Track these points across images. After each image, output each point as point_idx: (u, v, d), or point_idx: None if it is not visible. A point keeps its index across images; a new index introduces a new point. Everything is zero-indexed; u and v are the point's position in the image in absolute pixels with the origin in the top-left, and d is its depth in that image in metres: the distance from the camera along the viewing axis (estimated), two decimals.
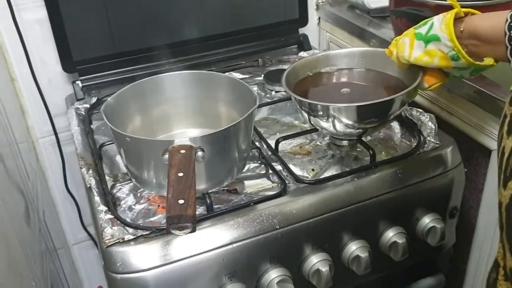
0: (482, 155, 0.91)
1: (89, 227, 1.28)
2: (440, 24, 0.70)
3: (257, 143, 0.90)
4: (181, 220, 0.56)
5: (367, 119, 0.79)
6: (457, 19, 0.70)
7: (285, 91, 0.84)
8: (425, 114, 0.91)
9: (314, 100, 0.80)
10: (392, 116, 0.81)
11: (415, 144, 0.87)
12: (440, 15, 0.71)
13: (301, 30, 1.27)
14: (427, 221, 0.84)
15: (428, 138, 0.88)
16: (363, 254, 0.79)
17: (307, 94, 0.88)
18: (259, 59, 1.21)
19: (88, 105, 1.04)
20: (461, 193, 0.90)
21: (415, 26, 0.76)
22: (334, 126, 0.79)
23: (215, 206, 0.76)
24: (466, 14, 0.70)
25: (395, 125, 0.94)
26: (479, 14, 0.69)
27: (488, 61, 0.69)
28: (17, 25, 1.02)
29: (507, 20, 0.61)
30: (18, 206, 0.84)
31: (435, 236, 0.84)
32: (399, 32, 1.06)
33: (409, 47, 0.75)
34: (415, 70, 0.78)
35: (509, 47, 0.59)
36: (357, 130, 0.81)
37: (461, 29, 0.69)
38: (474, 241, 0.97)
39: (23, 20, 1.05)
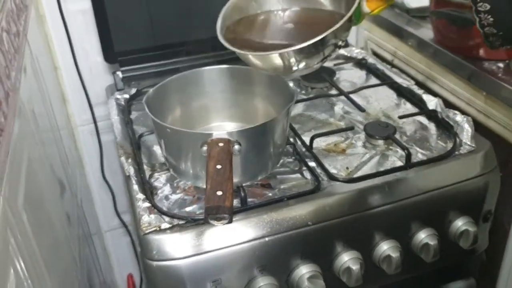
0: None
1: (123, 215, 1.32)
2: None
3: (291, 139, 0.90)
4: (219, 211, 0.57)
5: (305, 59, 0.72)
6: None
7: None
8: (462, 117, 0.90)
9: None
10: (331, 51, 0.73)
11: (451, 146, 0.87)
12: None
13: None
14: (459, 224, 0.84)
15: (464, 140, 0.87)
16: (394, 254, 0.79)
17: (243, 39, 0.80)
18: None
19: (128, 96, 1.07)
20: (496, 197, 0.89)
21: None
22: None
23: (249, 200, 0.77)
24: None
25: (431, 126, 0.94)
26: None
27: None
28: (63, 15, 1.06)
29: None
30: (58, 191, 0.87)
31: (468, 240, 0.83)
32: (438, 32, 1.06)
33: None
34: None
35: None
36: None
37: None
38: (508, 246, 0.96)
39: (68, 10, 1.08)
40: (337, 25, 0.68)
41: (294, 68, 0.73)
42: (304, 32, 0.77)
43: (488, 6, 0.54)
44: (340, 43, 0.73)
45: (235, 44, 0.74)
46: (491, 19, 0.55)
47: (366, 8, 0.72)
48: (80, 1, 1.08)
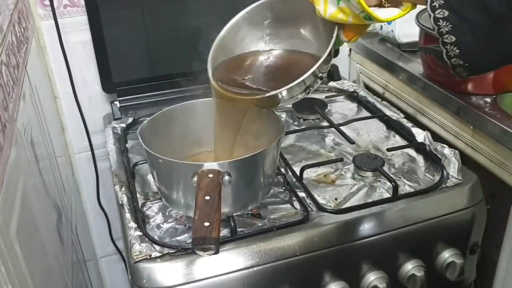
0: (506, 192, 0.92)
1: (118, 241, 1.33)
2: None
3: (282, 170, 0.93)
4: (205, 242, 0.59)
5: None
6: None
7: None
8: (450, 150, 0.93)
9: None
10: (313, 82, 0.77)
11: (438, 179, 0.89)
12: None
13: (332, 61, 1.30)
14: (446, 255, 0.85)
15: (451, 173, 0.89)
16: (381, 285, 0.80)
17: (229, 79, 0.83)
18: None
19: (124, 125, 1.09)
20: (482, 229, 0.91)
21: None
22: None
23: (239, 229, 0.79)
24: None
25: (420, 159, 0.96)
26: None
27: (406, 7, 0.67)
28: (63, 47, 1.09)
29: None
30: (53, 218, 0.89)
31: (454, 271, 0.85)
32: (428, 67, 1.09)
33: (323, 1, 0.71)
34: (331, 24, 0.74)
35: None
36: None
37: None
38: (496, 278, 0.97)
39: (68, 41, 1.12)
40: (315, 67, 0.72)
41: (279, 101, 0.76)
42: (287, 72, 0.80)
43: (454, 38, 0.55)
44: (322, 75, 0.76)
45: (223, 83, 0.79)
46: (457, 50, 0.56)
47: (343, 37, 0.74)
48: (81, 33, 1.12)
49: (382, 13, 0.66)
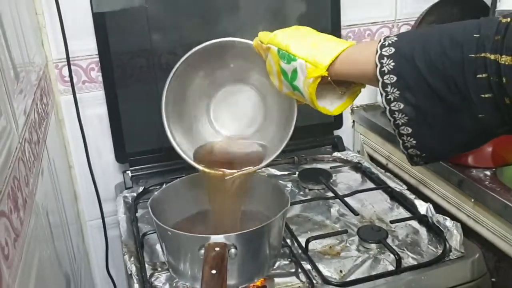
0: (510, 265, 0.93)
1: None
2: (303, 85, 0.67)
3: (288, 241, 0.95)
4: None
5: None
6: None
7: None
8: (452, 222, 0.94)
9: None
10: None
11: (441, 251, 0.90)
12: (303, 66, 0.66)
13: (336, 132, 1.35)
14: None
15: (454, 246, 0.91)
16: None
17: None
18: (295, 157, 1.28)
19: (135, 194, 1.13)
20: None
21: (279, 48, 0.70)
22: None
23: None
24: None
25: (423, 231, 0.98)
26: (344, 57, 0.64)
27: (357, 89, 0.69)
28: (80, 119, 1.15)
29: (377, 51, 0.59)
30: (64, 286, 0.91)
31: None
32: None
33: (277, 79, 0.73)
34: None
35: (379, 65, 0.58)
36: None
37: (329, 78, 0.65)
38: None
39: (85, 115, 1.18)
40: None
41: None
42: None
43: (410, 130, 0.57)
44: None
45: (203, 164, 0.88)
46: (414, 141, 0.57)
47: (328, 109, 0.71)
48: (97, 107, 1.18)
49: (330, 106, 0.69)
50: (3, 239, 0.52)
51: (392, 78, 0.57)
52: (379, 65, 0.58)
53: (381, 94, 0.58)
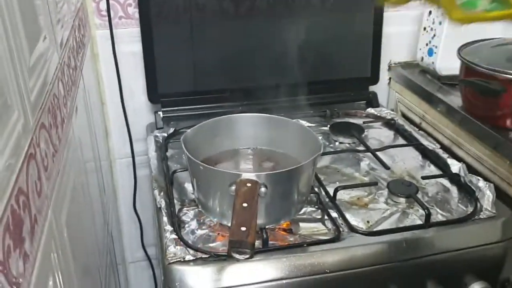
0: None
1: (148, 248, 1.36)
2: None
3: (316, 189, 0.94)
4: (241, 245, 0.61)
5: None
6: None
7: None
8: (485, 183, 0.93)
9: None
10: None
11: (471, 210, 0.89)
12: None
13: (371, 88, 1.33)
14: None
15: (485, 206, 0.89)
16: None
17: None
18: (327, 110, 1.26)
19: (166, 134, 1.14)
20: None
21: None
22: None
23: (270, 242, 0.81)
24: None
25: (454, 189, 0.96)
26: None
27: None
28: (115, 56, 1.15)
29: None
30: (94, 217, 0.93)
31: None
32: (466, 101, 1.10)
33: None
34: None
35: None
36: None
37: None
38: None
39: (120, 51, 1.17)
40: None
41: None
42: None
43: None
44: None
45: None
46: None
47: None
48: (132, 44, 1.17)
49: None
50: (44, 151, 0.52)
51: None
52: None
53: None
